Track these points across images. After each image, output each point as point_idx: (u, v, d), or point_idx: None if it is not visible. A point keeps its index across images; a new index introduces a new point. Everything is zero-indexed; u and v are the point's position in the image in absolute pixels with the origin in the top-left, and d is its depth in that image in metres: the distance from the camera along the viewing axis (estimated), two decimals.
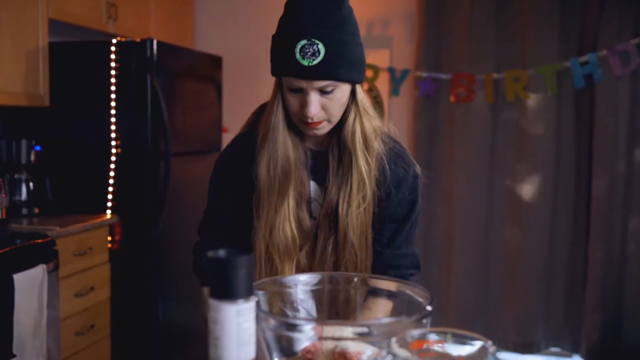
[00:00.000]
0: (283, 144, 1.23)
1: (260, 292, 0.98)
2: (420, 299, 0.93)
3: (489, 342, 0.75)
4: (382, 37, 3.86)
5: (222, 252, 0.78)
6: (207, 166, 3.48)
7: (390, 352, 0.73)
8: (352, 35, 1.19)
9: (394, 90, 3.79)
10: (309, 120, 1.18)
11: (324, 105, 1.17)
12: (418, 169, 1.33)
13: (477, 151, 3.70)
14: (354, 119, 1.24)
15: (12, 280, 2.13)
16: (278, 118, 1.22)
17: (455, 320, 3.72)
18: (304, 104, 1.17)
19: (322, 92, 1.16)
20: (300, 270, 1.27)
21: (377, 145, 1.26)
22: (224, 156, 1.36)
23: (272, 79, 1.28)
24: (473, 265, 3.75)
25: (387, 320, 0.83)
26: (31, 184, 2.81)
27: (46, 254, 2.38)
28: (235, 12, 4.03)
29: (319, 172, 1.28)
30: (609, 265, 3.51)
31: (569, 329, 3.67)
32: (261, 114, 1.31)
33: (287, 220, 1.23)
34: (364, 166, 1.23)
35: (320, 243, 1.27)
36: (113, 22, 3.21)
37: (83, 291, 2.68)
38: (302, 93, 1.17)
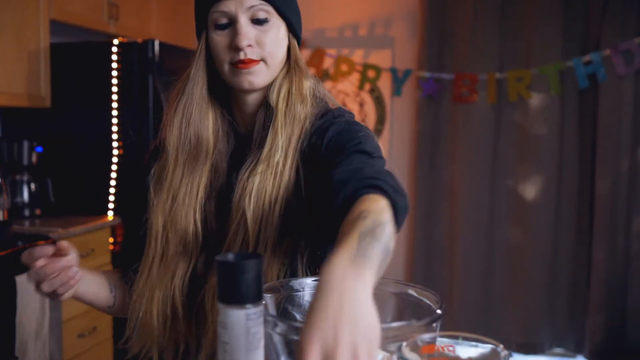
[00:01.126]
0: (199, 113, 1.07)
1: (268, 296, 0.96)
2: (428, 302, 0.92)
3: (501, 346, 0.74)
4: (384, 37, 3.85)
5: (230, 256, 0.77)
6: None
7: (401, 356, 0.72)
8: None
9: (396, 91, 3.78)
10: (241, 56, 1.02)
11: (257, 39, 1.04)
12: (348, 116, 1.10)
13: (479, 151, 3.69)
14: (283, 77, 1.10)
15: (14, 282, 2.13)
16: (198, 68, 1.08)
17: (459, 321, 3.71)
18: (234, 37, 1.03)
19: (254, 21, 1.04)
20: (195, 276, 1.08)
21: (300, 108, 1.08)
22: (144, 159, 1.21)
23: None
24: (476, 266, 3.74)
25: (396, 324, 0.82)
26: (33, 185, 2.81)
27: None
28: None
29: (242, 159, 1.08)
30: (613, 265, 3.50)
31: (573, 330, 3.66)
32: None
33: (191, 209, 1.07)
34: (281, 128, 1.05)
35: (229, 239, 1.05)
36: (114, 23, 3.20)
37: None
38: (232, 27, 1.04)
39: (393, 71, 3.77)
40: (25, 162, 2.77)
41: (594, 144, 3.54)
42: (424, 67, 3.71)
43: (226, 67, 1.05)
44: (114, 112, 2.90)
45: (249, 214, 1.01)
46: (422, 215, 3.79)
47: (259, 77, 1.05)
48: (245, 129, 1.13)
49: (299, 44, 1.12)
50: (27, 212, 2.79)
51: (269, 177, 1.03)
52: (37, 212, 2.82)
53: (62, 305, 2.48)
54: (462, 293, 3.76)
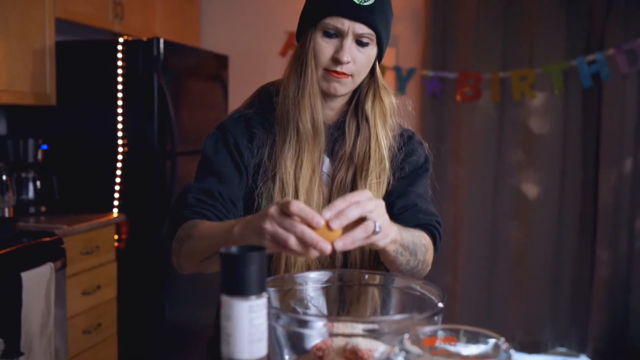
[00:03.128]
0: (317, 105, 1.22)
1: (272, 289, 0.98)
2: (431, 296, 0.93)
3: (502, 339, 0.75)
4: None
5: (234, 249, 0.78)
6: None
7: (402, 348, 0.73)
8: (391, 4, 1.23)
9: (400, 89, 3.79)
10: (338, 69, 1.17)
11: (355, 57, 1.18)
12: (425, 146, 1.37)
13: (483, 150, 3.69)
14: (374, 94, 1.26)
15: (20, 278, 2.14)
16: (312, 71, 1.20)
17: (462, 319, 3.71)
18: (337, 50, 1.17)
19: (358, 42, 1.18)
20: None
21: (393, 121, 1.29)
22: (233, 123, 1.27)
23: (278, 77, 1.28)
24: (479, 265, 3.74)
25: (398, 317, 0.83)
26: (38, 183, 2.82)
27: (53, 252, 2.39)
28: (241, 11, 4.03)
29: (330, 145, 1.27)
30: (616, 264, 3.50)
31: (576, 329, 3.66)
32: (265, 95, 1.29)
33: (318, 182, 1.22)
34: (384, 140, 1.25)
35: None
36: (119, 21, 3.21)
37: (90, 290, 2.68)
38: (338, 40, 1.17)
39: (397, 70, 3.77)
40: (31, 159, 2.79)
41: (597, 143, 3.54)
42: (427, 66, 3.72)
43: (320, 71, 1.20)
44: (119, 110, 2.91)
45: None
46: None
47: (343, 86, 1.21)
48: (328, 119, 1.28)
49: (380, 62, 1.26)
50: (32, 209, 2.80)
51: (382, 183, 1.25)
52: (43, 209, 2.83)
53: (67, 301, 2.50)
54: (465, 291, 3.76)
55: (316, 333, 0.89)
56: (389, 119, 1.27)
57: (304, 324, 0.88)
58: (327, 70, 1.19)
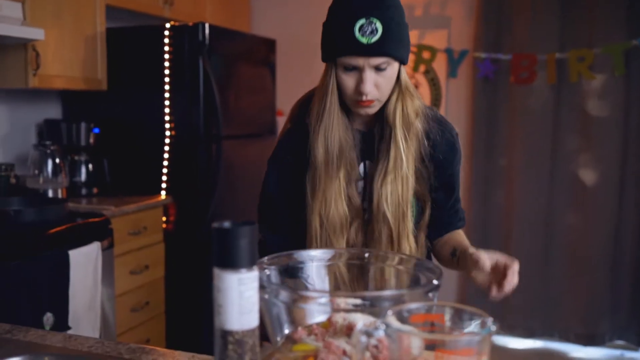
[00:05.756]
0: (337, 126, 1.31)
1: (273, 267, 0.98)
2: (431, 274, 0.91)
3: (489, 318, 0.72)
4: (439, 17, 3.77)
5: (225, 223, 0.78)
6: (261, 148, 3.47)
7: (383, 322, 0.72)
8: (401, 16, 1.26)
9: (452, 72, 3.71)
10: (363, 98, 1.25)
11: (377, 83, 1.24)
12: (454, 130, 1.42)
13: (538, 134, 3.57)
14: (397, 99, 1.30)
15: (67, 256, 2.23)
16: (333, 101, 1.29)
17: (516, 310, 3.62)
18: (359, 82, 1.24)
19: (377, 69, 1.23)
20: (350, 245, 1.34)
21: (418, 124, 1.32)
22: (279, 151, 1.43)
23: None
24: (534, 254, 3.63)
25: (392, 292, 0.82)
26: (90, 165, 2.92)
27: (101, 232, 2.47)
28: None
29: (369, 151, 1.35)
30: None
31: (636, 321, 3.51)
32: (304, 107, 1.38)
33: (339, 198, 1.31)
34: (402, 142, 1.30)
35: (371, 228, 1.33)
36: (169, 7, 3.27)
37: (138, 269, 2.77)
38: (358, 71, 1.24)
39: (449, 52, 3.69)
40: (83, 142, 2.89)
41: None
42: (480, 48, 3.61)
43: (349, 101, 1.29)
44: (167, 95, 2.97)
45: (389, 214, 1.30)
46: (477, 201, 3.70)
47: (373, 109, 1.30)
48: (363, 126, 1.38)
49: (404, 64, 1.31)
50: (84, 191, 2.91)
51: (399, 183, 1.31)
52: (95, 190, 2.94)
53: (115, 280, 2.59)
54: (520, 281, 3.64)
55: (316, 309, 0.88)
56: (412, 121, 1.31)
57: (304, 299, 0.88)
58: (355, 100, 1.27)
